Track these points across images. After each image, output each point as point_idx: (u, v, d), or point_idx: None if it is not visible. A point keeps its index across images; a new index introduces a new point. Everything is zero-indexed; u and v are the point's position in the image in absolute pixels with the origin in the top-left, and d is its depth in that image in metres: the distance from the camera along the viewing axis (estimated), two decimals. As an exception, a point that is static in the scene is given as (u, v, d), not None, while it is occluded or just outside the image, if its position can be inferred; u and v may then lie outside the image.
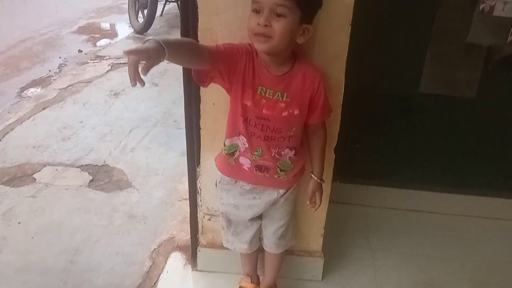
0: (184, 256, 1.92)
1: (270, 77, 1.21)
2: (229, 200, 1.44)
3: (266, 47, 1.12)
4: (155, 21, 5.40)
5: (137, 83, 0.90)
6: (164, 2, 5.95)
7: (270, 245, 1.53)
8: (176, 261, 1.91)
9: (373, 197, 2.24)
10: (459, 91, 2.05)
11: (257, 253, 1.61)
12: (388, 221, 2.18)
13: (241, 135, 1.29)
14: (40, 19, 5.81)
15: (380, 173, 2.20)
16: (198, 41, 1.32)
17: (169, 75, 3.97)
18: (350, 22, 1.30)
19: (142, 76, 0.90)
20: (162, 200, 2.32)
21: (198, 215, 1.70)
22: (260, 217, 1.49)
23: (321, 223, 1.66)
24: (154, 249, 1.98)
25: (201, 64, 1.13)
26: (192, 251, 1.81)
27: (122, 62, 4.39)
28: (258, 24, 1.09)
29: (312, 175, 1.41)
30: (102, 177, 2.52)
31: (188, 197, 1.73)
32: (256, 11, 1.10)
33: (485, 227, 2.18)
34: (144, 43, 0.95)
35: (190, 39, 1.27)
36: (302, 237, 1.69)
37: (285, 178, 1.37)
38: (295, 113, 1.24)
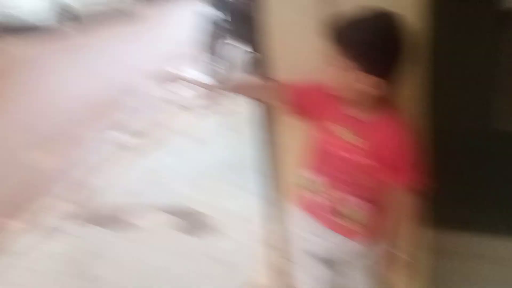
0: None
1: (351, 119, 1.19)
2: (303, 235, 1.38)
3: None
4: (233, 69, 5.67)
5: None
6: (242, 52, 6.24)
7: None
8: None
9: (471, 247, 2.07)
10: None
11: None
12: (486, 272, 1.99)
13: (318, 173, 1.27)
14: (126, 72, 6.33)
15: (478, 220, 2.04)
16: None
17: (252, 123, 4.07)
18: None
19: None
20: (246, 245, 2.35)
21: (278, 259, 1.69)
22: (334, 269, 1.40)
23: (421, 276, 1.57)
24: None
25: None
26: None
27: (204, 110, 4.62)
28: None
29: (382, 243, 1.30)
30: (189, 221, 2.62)
31: (271, 242, 1.74)
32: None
33: None
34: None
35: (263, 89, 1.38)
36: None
37: (357, 228, 1.28)
38: (372, 164, 1.18)
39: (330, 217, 1.29)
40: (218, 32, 5.67)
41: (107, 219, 2.69)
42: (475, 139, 1.99)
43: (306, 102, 1.24)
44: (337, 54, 1.09)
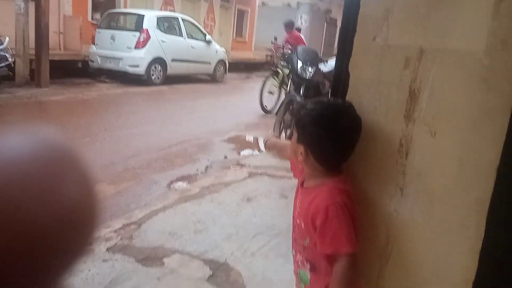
0: None
1: (301, 188, 1.38)
2: None
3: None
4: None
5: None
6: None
7: None
8: None
9: None
10: None
11: None
12: None
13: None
14: (199, 127, 6.77)
15: None
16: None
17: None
18: (497, 167, 1.27)
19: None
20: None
21: None
22: None
23: None
24: None
25: None
26: None
27: (259, 172, 4.77)
28: None
29: None
30: (221, 274, 2.64)
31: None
32: None
33: None
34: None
35: None
36: None
37: None
38: (302, 226, 1.30)
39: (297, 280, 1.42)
40: (292, 104, 5.91)
41: (142, 254, 2.79)
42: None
43: (295, 169, 1.50)
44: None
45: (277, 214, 3.65)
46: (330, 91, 1.61)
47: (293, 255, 1.43)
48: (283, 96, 7.64)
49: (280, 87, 8.09)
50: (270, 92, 8.18)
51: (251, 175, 4.68)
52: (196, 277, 2.58)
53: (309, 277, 1.34)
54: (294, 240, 1.39)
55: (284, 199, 4.03)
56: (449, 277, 1.37)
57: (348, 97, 1.41)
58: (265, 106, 8.30)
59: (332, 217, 1.19)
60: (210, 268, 2.69)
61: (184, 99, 9.41)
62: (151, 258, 2.76)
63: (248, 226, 3.37)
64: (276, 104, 7.78)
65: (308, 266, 1.33)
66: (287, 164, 5.13)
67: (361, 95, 1.39)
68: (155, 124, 6.74)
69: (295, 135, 1.30)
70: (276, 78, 8.08)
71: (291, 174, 5.11)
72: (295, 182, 4.71)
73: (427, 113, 1.30)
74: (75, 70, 10.48)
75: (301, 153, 1.26)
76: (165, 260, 2.75)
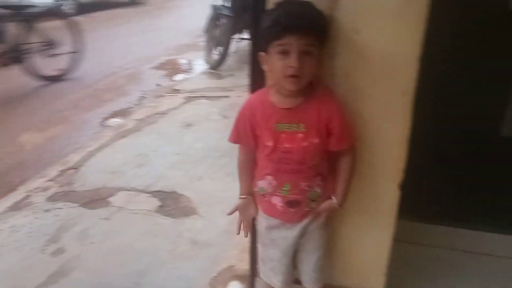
0: (242, 286, 1.93)
1: (283, 112, 1.25)
2: (267, 235, 1.45)
3: (298, 86, 1.18)
4: (228, 58, 5.67)
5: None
6: (238, 39, 6.24)
7: (309, 279, 1.48)
8: (234, 290, 1.92)
9: (443, 238, 2.10)
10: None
11: None
12: (457, 264, 2.02)
13: (267, 176, 1.33)
14: (124, 56, 6.36)
15: (451, 213, 2.07)
16: (265, 75, 1.38)
17: (238, 109, 4.10)
18: (418, 58, 1.28)
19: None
20: (225, 228, 2.36)
21: (259, 252, 1.71)
22: (294, 253, 1.46)
23: (384, 261, 1.59)
24: (214, 276, 2.01)
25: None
26: (250, 281, 1.81)
27: (195, 95, 4.65)
28: (290, 66, 1.13)
29: (333, 197, 1.37)
30: (170, 203, 2.63)
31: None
32: (283, 53, 1.14)
33: None
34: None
35: (246, 162, 1.41)
36: (363, 274, 1.63)
37: (316, 206, 1.37)
38: (315, 142, 1.25)
39: (290, 211, 1.35)
40: (218, 18, 5.65)
41: (86, 197, 2.71)
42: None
43: (251, 133, 1.32)
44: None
45: (220, 135, 3.61)
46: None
47: (284, 190, 1.32)
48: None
49: None
50: None
51: (187, 100, 4.55)
52: (145, 210, 2.56)
53: (320, 191, 1.34)
54: (290, 171, 1.28)
55: (225, 119, 3.98)
56: (383, 167, 1.44)
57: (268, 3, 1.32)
58: None
59: (343, 114, 1.27)
60: (158, 199, 2.68)
61: (104, 28, 8.68)
62: (95, 200, 2.68)
63: (191, 151, 3.34)
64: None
65: (318, 181, 1.32)
66: (223, 84, 5.07)
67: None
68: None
69: (317, 52, 1.16)
70: None
71: (229, 94, 5.05)
72: (234, 100, 4.66)
73: (350, 9, 1.25)
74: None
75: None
76: (111, 199, 2.68)
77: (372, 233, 1.55)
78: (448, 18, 1.64)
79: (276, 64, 1.16)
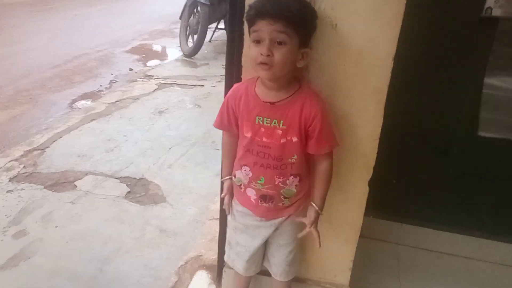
0: (209, 275, 1.93)
1: (266, 105, 1.24)
2: (240, 218, 1.44)
3: (270, 74, 1.16)
4: (203, 46, 5.61)
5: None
6: (213, 29, 6.18)
7: (280, 273, 1.50)
8: (201, 279, 1.92)
9: (407, 236, 2.17)
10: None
11: (249, 282, 1.61)
12: (420, 263, 2.09)
13: (244, 167, 1.33)
14: (96, 38, 6.18)
15: (417, 212, 2.14)
16: (242, 66, 1.37)
17: (212, 98, 4.09)
18: (393, 57, 1.30)
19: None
20: (194, 218, 2.36)
21: (227, 235, 1.71)
22: (264, 244, 1.47)
23: (349, 256, 1.62)
24: (181, 265, 2.00)
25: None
26: (218, 271, 1.81)
27: (169, 82, 4.58)
28: (261, 54, 1.12)
29: (313, 204, 1.36)
30: (139, 190, 2.60)
31: (218, 217, 1.75)
32: (257, 41, 1.14)
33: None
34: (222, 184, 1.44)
35: (229, 144, 1.41)
36: (329, 269, 1.66)
37: (289, 204, 1.36)
38: (293, 140, 1.25)
39: (263, 206, 1.36)
40: (195, 6, 5.57)
41: (51, 180, 2.63)
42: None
43: (234, 121, 1.32)
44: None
45: (192, 124, 3.59)
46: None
47: (259, 184, 1.32)
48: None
49: None
50: None
51: (160, 86, 4.48)
52: (113, 195, 2.52)
53: (295, 190, 1.33)
54: (266, 166, 1.28)
55: (198, 108, 3.96)
56: (353, 164, 1.46)
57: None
58: None
59: (326, 119, 1.25)
60: (127, 185, 2.63)
61: (75, 7, 8.39)
62: (61, 183, 2.61)
63: (163, 139, 3.29)
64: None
65: (296, 180, 1.32)
66: (198, 72, 5.01)
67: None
68: (44, 38, 6.00)
69: (292, 44, 1.13)
70: None
71: (203, 83, 5.00)
72: (207, 90, 4.62)
73: (328, 3, 1.26)
74: None
75: (304, 55, 1.18)
76: (77, 183, 2.62)
77: (340, 229, 1.57)
78: (424, 18, 1.68)
79: (251, 52, 1.17)
